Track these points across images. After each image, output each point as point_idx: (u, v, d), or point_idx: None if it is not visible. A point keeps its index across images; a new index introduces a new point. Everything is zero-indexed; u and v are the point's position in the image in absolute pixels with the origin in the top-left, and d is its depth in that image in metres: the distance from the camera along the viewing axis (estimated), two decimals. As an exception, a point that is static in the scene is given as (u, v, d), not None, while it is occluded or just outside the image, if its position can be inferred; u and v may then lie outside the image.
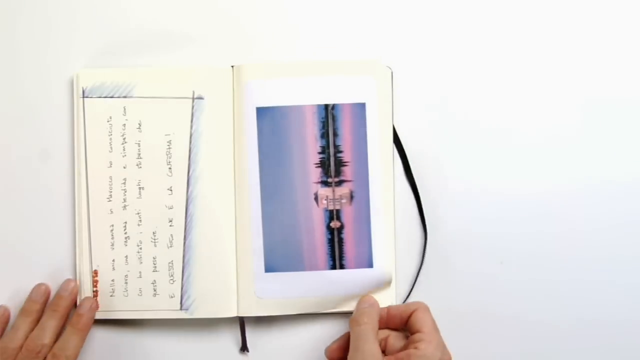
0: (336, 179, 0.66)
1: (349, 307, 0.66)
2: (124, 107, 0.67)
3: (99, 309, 0.66)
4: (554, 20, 0.69)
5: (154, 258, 0.66)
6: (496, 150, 0.68)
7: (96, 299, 0.66)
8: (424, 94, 0.68)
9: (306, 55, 0.68)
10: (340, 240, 0.66)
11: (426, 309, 0.64)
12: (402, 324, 0.64)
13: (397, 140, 0.68)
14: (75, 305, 0.66)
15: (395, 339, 0.64)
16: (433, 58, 0.68)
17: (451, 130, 0.68)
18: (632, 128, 0.68)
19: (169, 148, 0.67)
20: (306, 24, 0.68)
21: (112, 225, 0.66)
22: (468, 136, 0.68)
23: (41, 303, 0.65)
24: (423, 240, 0.68)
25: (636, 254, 0.68)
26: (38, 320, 0.65)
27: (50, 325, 0.64)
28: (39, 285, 0.66)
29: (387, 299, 0.66)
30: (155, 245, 0.66)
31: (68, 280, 0.66)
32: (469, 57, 0.68)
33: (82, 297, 0.66)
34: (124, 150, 0.67)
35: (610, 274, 0.68)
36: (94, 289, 0.66)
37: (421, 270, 0.67)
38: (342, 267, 0.66)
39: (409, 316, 0.63)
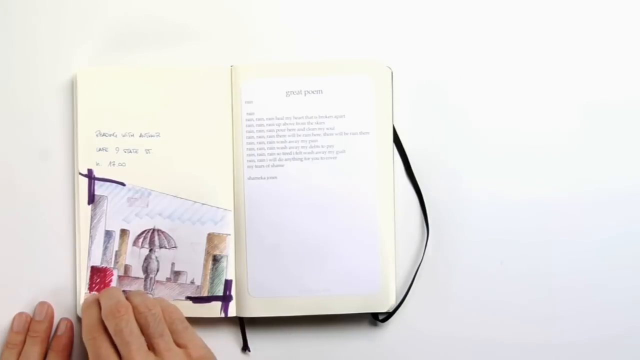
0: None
1: (348, 308, 0.66)
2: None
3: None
4: (554, 19, 0.69)
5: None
6: (496, 151, 0.68)
7: (70, 320, 0.66)
8: (424, 94, 0.68)
9: (306, 55, 0.68)
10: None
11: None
12: None
13: (397, 140, 0.67)
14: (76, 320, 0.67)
15: None
16: (433, 58, 0.68)
17: (451, 130, 0.68)
18: (632, 131, 0.68)
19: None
20: (306, 24, 0.68)
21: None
22: (468, 137, 0.68)
23: (24, 333, 0.66)
24: (423, 240, 0.68)
25: (636, 256, 0.68)
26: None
27: (33, 352, 0.65)
28: (20, 315, 0.66)
29: (387, 298, 0.66)
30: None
31: (42, 304, 0.66)
32: (469, 57, 0.68)
33: (81, 298, 0.66)
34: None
35: (610, 275, 0.68)
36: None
37: (420, 270, 0.68)
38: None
39: None
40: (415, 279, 0.67)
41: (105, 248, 0.67)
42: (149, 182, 0.67)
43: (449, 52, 0.68)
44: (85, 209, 0.67)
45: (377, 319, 0.68)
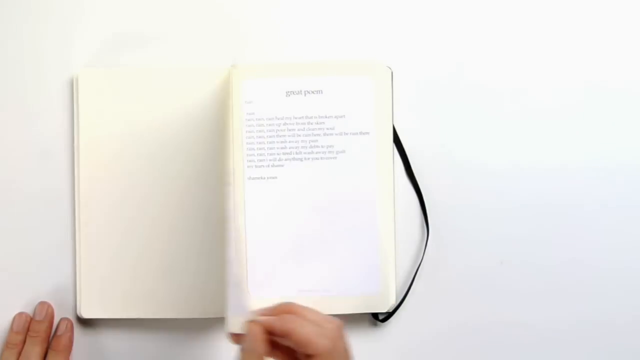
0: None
1: (348, 308, 0.66)
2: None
3: (100, 309, 0.66)
4: (554, 23, 0.69)
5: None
6: (496, 151, 0.68)
7: (70, 320, 0.66)
8: (424, 94, 0.68)
9: (306, 55, 0.68)
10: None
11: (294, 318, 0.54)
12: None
13: (397, 140, 0.67)
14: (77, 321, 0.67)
15: None
16: (433, 58, 0.68)
17: (451, 130, 0.68)
18: (633, 120, 0.68)
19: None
20: (307, 25, 0.68)
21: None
22: (468, 136, 0.68)
23: (24, 333, 0.66)
24: (423, 240, 0.68)
25: (636, 255, 0.68)
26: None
27: (33, 352, 0.65)
28: (20, 314, 0.66)
29: (387, 298, 0.66)
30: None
31: (42, 303, 0.66)
32: (469, 57, 0.68)
33: (81, 300, 0.66)
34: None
35: (611, 274, 0.68)
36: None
37: (420, 270, 0.68)
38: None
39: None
40: (415, 279, 0.67)
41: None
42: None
43: (449, 52, 0.68)
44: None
45: (377, 319, 0.68)
